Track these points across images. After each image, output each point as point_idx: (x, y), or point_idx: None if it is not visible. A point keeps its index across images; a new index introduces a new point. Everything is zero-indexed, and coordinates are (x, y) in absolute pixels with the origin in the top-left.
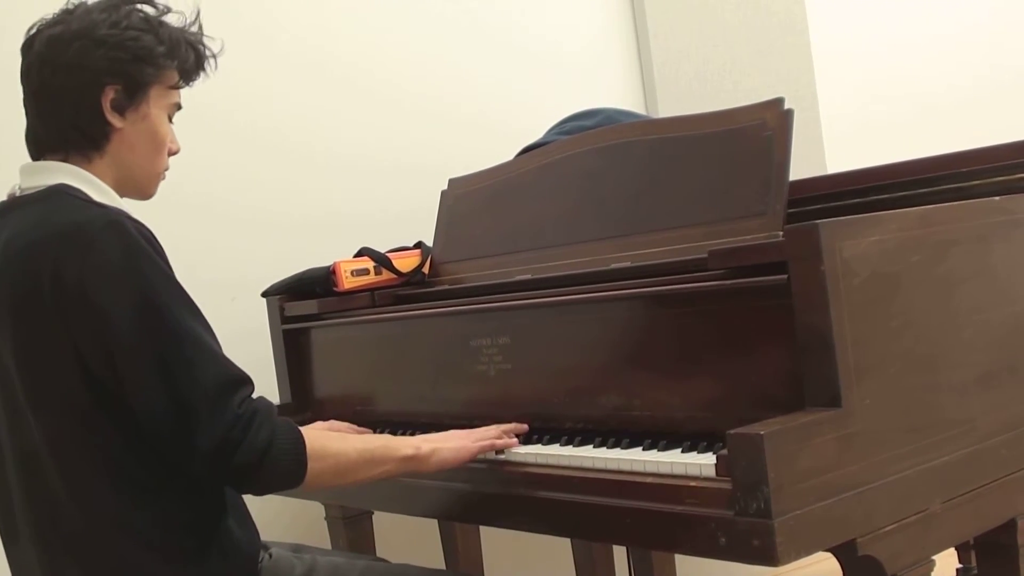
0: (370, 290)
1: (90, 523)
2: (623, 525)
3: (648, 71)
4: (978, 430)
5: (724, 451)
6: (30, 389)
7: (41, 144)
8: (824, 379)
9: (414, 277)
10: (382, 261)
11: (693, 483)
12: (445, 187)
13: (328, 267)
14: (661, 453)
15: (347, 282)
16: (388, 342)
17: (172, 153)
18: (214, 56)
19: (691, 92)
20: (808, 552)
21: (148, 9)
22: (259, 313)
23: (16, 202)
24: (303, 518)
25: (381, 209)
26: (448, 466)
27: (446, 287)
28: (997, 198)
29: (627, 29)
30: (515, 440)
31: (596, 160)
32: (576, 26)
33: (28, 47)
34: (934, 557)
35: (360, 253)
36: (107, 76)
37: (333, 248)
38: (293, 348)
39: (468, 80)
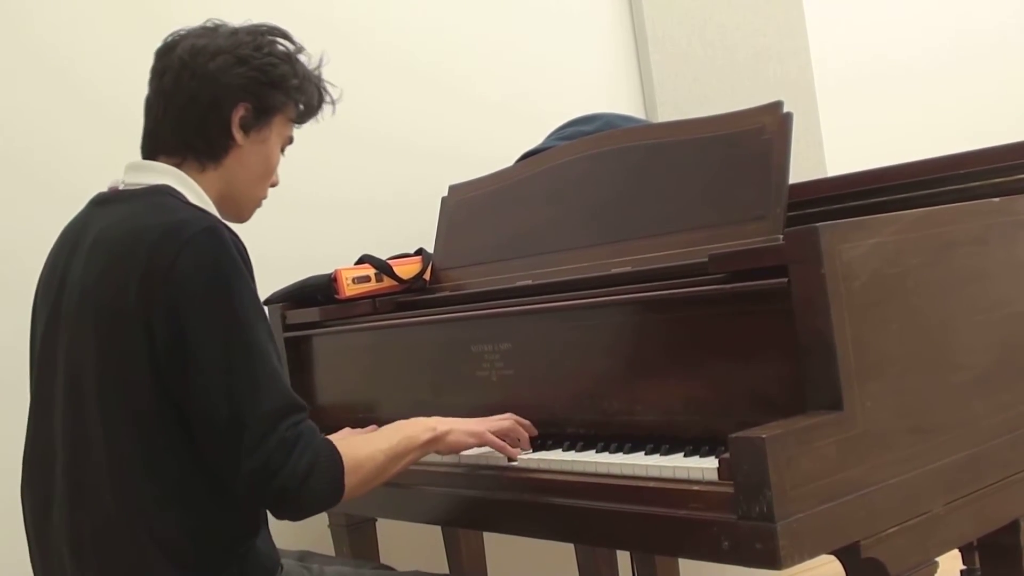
0: (371, 297)
1: (122, 520)
2: (626, 530)
3: (647, 76)
4: (980, 431)
5: (726, 455)
6: (101, 377)
7: (160, 145)
8: (825, 382)
9: (415, 284)
10: (383, 268)
11: (696, 487)
12: (451, 183)
13: (329, 274)
14: (663, 457)
15: (348, 289)
16: (390, 349)
17: (273, 185)
18: (333, 103)
19: (690, 96)
20: (811, 555)
21: (287, 43)
22: None
23: (116, 195)
24: (307, 526)
25: (383, 214)
26: (461, 447)
27: (447, 293)
28: (997, 199)
29: (626, 34)
30: (525, 437)
31: (596, 165)
32: (576, 32)
33: (168, 51)
34: (938, 559)
35: (361, 260)
36: (242, 93)
37: (334, 256)
38: (295, 355)
39: (472, 87)
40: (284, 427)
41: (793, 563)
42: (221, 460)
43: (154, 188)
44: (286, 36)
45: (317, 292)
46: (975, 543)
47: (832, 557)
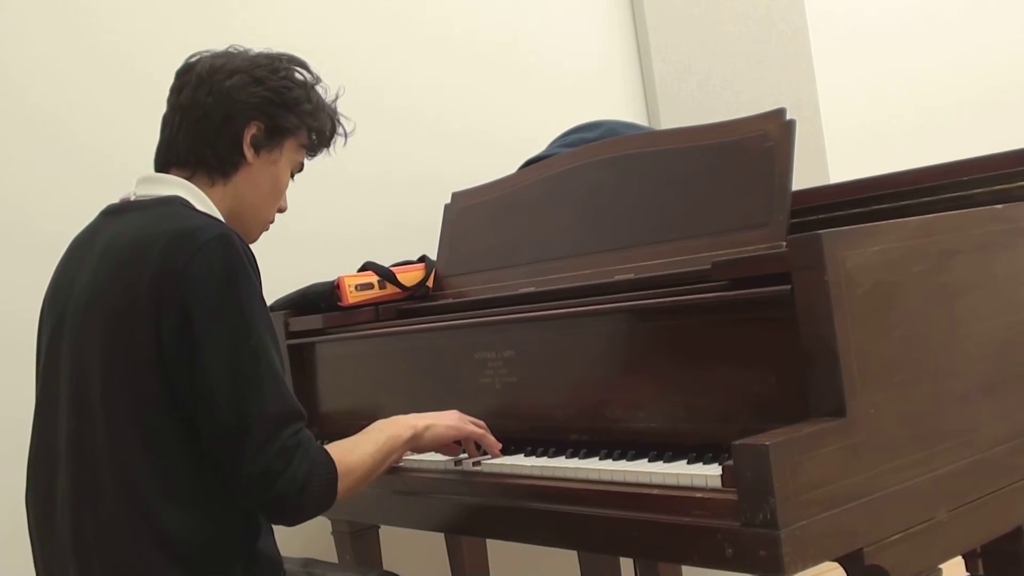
0: (374, 304)
1: (125, 520)
2: (629, 537)
3: (650, 83)
4: (983, 438)
5: (730, 462)
6: (106, 377)
7: (172, 158)
8: (828, 389)
9: (418, 291)
10: (386, 275)
11: (699, 494)
12: (448, 201)
13: (332, 282)
14: (667, 464)
15: (351, 296)
16: (393, 356)
17: (280, 210)
18: (345, 135)
19: (693, 104)
20: (815, 562)
21: (305, 72)
22: None
23: (128, 206)
24: (310, 533)
25: (386, 224)
26: (442, 441)
27: (450, 300)
28: (999, 206)
29: (629, 42)
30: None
31: (599, 172)
32: (578, 40)
33: (187, 70)
34: (941, 566)
35: (364, 267)
36: (255, 112)
37: (337, 263)
38: (298, 363)
39: (475, 96)
40: (286, 434)
41: (797, 570)
42: (224, 460)
43: (166, 198)
44: (304, 65)
45: (320, 299)
46: (978, 550)
47: (836, 564)
